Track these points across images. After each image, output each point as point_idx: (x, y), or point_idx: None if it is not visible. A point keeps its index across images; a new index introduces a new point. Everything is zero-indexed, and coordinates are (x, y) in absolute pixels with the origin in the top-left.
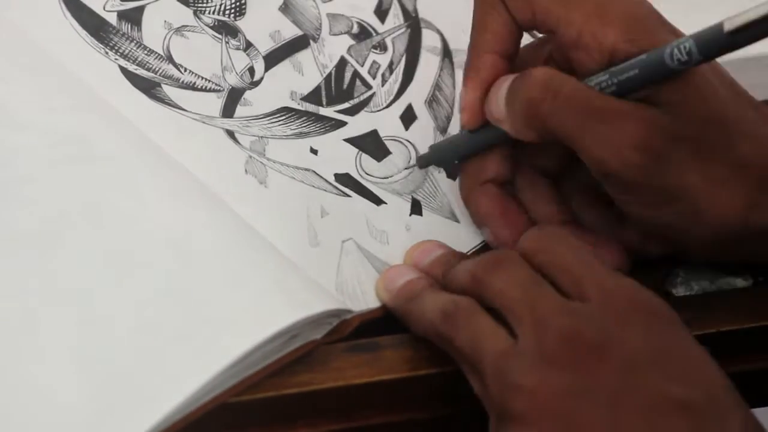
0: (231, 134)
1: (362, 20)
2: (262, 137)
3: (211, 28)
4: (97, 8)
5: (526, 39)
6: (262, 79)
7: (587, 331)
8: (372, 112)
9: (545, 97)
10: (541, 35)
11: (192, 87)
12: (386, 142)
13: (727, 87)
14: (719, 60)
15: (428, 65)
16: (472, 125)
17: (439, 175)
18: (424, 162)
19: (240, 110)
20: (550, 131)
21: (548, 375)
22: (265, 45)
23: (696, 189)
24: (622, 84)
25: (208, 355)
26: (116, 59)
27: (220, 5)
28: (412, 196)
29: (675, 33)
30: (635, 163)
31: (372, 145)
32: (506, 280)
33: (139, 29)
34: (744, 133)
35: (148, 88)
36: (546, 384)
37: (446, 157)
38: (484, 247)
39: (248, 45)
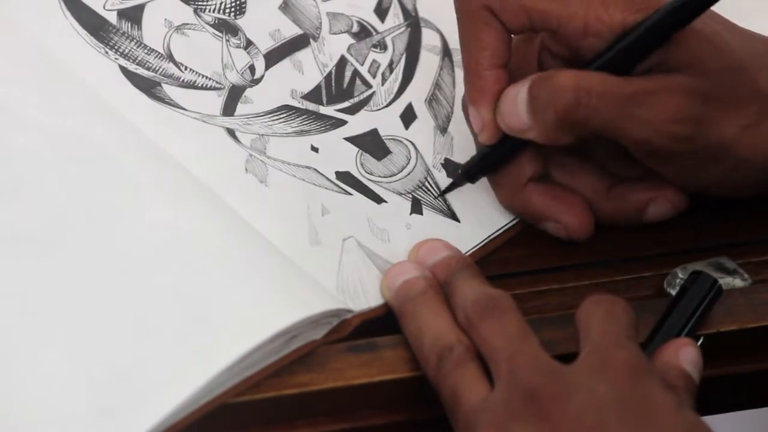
0: (231, 133)
1: (362, 19)
2: (263, 135)
3: (212, 26)
4: (97, 7)
5: None
6: (262, 77)
7: (554, 387)
8: (372, 111)
9: (580, 102)
10: None
11: (192, 85)
12: (386, 141)
13: (730, 31)
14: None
15: (428, 64)
16: (494, 140)
17: (439, 174)
18: (457, 182)
19: (241, 108)
20: (590, 130)
21: (510, 430)
22: (265, 43)
23: (735, 140)
24: (631, 52)
25: (208, 355)
26: (116, 59)
27: (221, 4)
28: (413, 195)
29: None
30: (678, 134)
31: (372, 144)
32: (492, 329)
33: (139, 28)
34: (760, 68)
35: (149, 87)
36: None
37: (478, 173)
38: (485, 247)
39: (248, 43)
